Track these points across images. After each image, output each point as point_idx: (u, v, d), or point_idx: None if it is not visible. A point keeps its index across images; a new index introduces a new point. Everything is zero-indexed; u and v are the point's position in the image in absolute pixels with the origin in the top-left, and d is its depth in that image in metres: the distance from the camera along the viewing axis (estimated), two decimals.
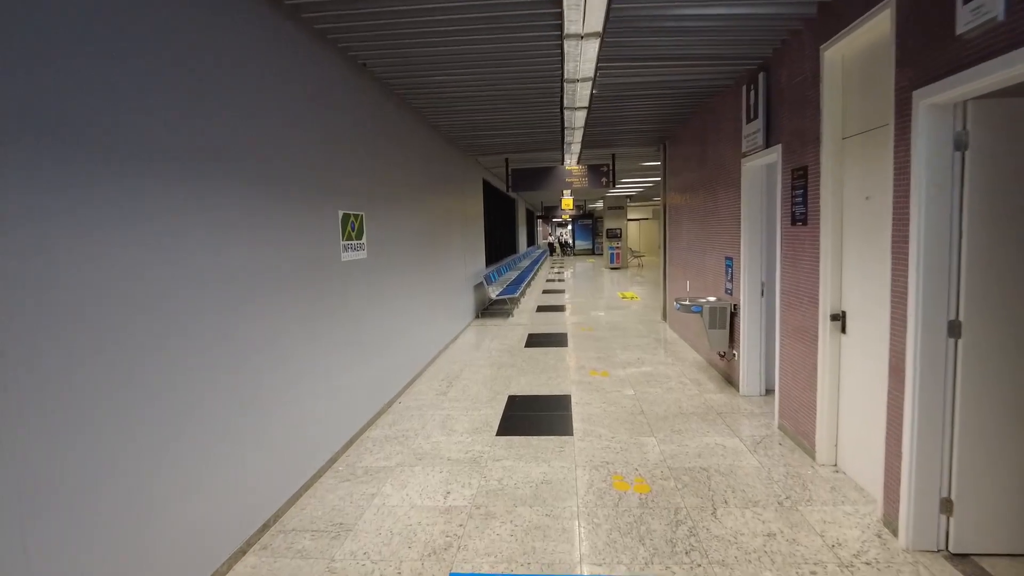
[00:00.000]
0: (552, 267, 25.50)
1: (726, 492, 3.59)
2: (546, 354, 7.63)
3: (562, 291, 15.32)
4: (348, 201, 4.62)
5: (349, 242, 4.62)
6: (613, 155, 10.15)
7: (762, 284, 5.51)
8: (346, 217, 4.56)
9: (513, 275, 14.59)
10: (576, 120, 7.14)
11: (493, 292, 11.04)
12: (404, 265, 6.16)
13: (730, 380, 5.99)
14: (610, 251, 22.89)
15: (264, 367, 3.31)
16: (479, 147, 9.55)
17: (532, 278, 16.33)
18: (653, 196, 26.30)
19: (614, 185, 10.02)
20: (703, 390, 5.81)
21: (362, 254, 4.89)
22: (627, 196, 23.54)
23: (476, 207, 11.48)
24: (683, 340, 8.18)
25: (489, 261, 13.59)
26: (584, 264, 27.45)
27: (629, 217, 26.61)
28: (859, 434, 3.65)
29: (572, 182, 10.20)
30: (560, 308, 12.01)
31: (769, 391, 5.65)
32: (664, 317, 9.93)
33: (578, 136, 8.24)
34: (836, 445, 3.93)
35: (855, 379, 3.69)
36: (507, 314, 11.26)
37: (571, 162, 10.71)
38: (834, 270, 3.83)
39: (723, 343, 5.89)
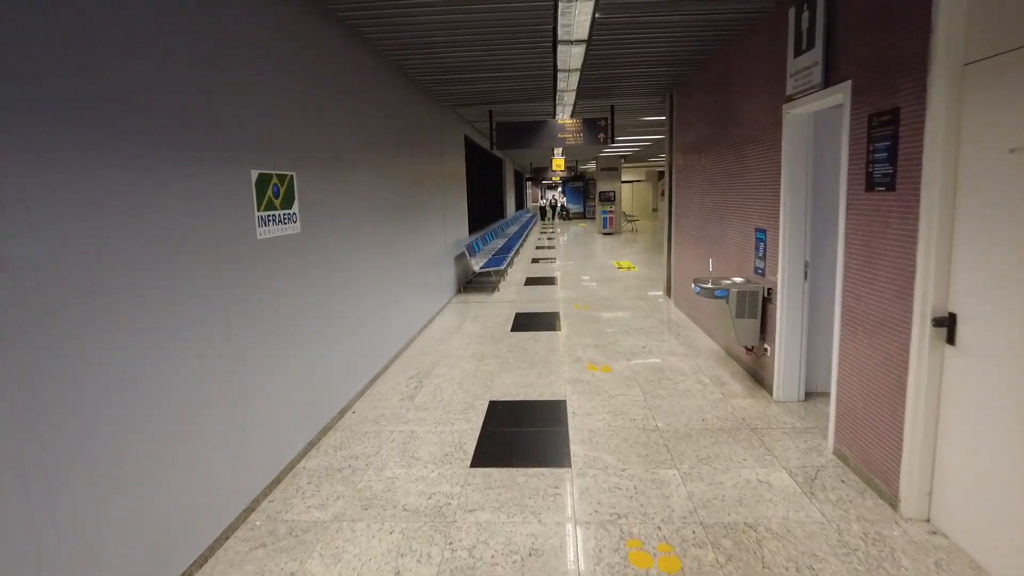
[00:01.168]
0: (542, 233, 24.27)
1: (789, 573, 2.54)
2: (536, 341, 6.53)
3: (553, 259, 14.18)
4: (268, 158, 3.41)
5: (270, 212, 3.43)
6: (612, 107, 8.88)
7: (806, 264, 4.40)
8: (264, 179, 3.36)
9: (500, 243, 13.43)
10: (572, 59, 5.87)
11: (476, 264, 9.87)
12: (361, 238, 4.98)
13: (759, 380, 4.93)
14: (603, 215, 21.68)
15: (136, 410, 2.16)
16: (457, 96, 8.25)
17: (520, 246, 15.18)
18: (648, 157, 24.98)
19: (612, 141, 8.76)
20: (727, 393, 4.76)
21: (292, 228, 3.70)
22: (621, 156, 22.21)
23: (457, 167, 10.22)
24: (694, 323, 7.10)
25: (473, 228, 12.37)
26: (575, 229, 26.23)
27: (623, 179, 25.30)
28: (975, 487, 2.59)
29: (565, 138, 8.95)
30: (551, 280, 10.88)
31: (811, 395, 4.60)
32: (668, 292, 8.84)
33: (573, 81, 6.97)
34: (931, 494, 2.88)
35: (969, 409, 2.61)
36: (492, 288, 10.12)
37: (564, 115, 9.42)
38: (940, 255, 2.71)
39: (753, 336, 4.81)
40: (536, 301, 8.89)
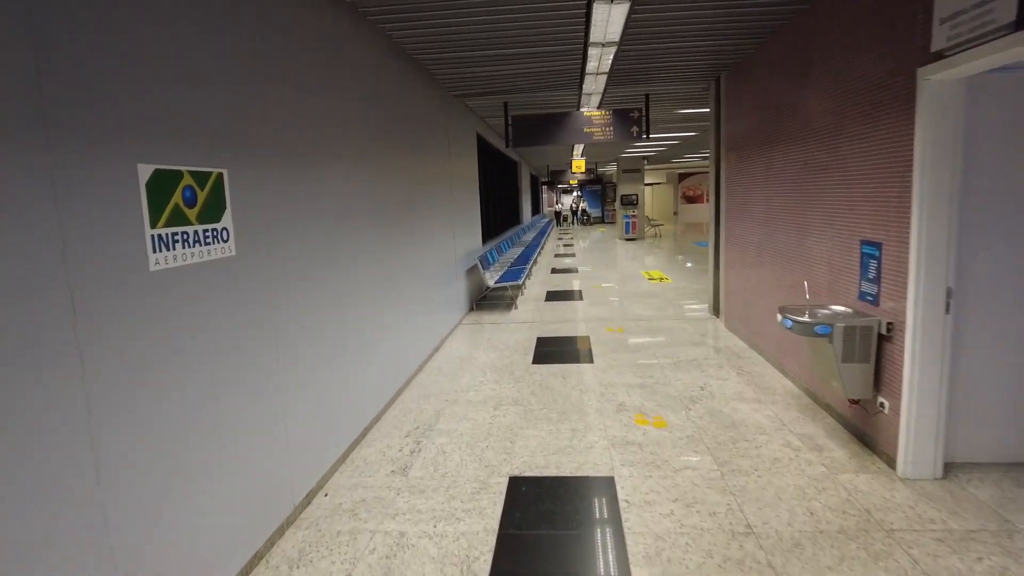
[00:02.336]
0: (560, 239, 23.04)
1: None
2: (564, 377, 5.31)
3: (574, 270, 12.94)
4: (173, 147, 2.24)
5: (177, 229, 2.26)
6: (647, 96, 7.65)
7: (948, 291, 3.15)
8: (164, 179, 2.19)
9: (516, 252, 12.24)
10: (609, 30, 4.68)
11: (490, 279, 8.68)
12: (339, 257, 3.81)
13: (868, 442, 3.67)
14: (625, 220, 20.41)
15: None
16: (466, 82, 7.08)
17: (538, 255, 13.97)
18: (672, 158, 23.67)
19: (648, 135, 7.53)
20: (831, 464, 3.50)
21: (220, 250, 2.53)
22: (644, 157, 20.94)
23: (469, 170, 9.05)
24: (755, 351, 5.84)
25: (487, 237, 11.19)
26: (594, 234, 24.96)
27: (645, 182, 24.00)
28: None
29: (592, 132, 7.74)
30: (575, 295, 9.65)
31: (950, 468, 3.34)
32: (715, 311, 7.56)
33: (606, 61, 5.76)
34: None
35: None
36: (509, 304, 8.92)
37: (590, 106, 8.21)
38: None
39: (863, 386, 3.55)
40: (560, 321, 7.67)
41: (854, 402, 3.72)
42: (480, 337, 7.03)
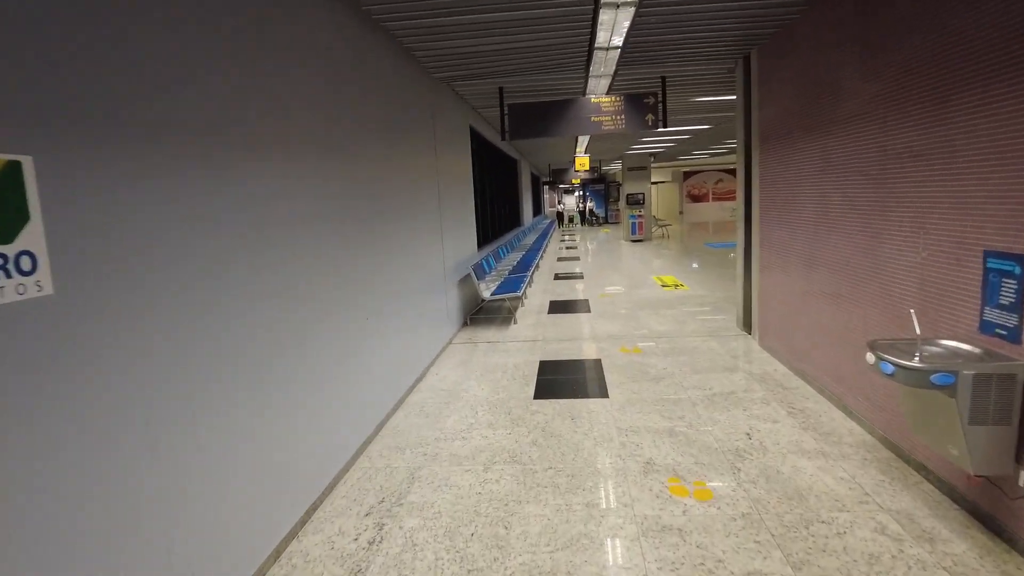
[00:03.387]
0: (563, 241, 22.01)
1: None
2: (574, 420, 4.30)
3: (579, 275, 11.92)
4: None
5: None
6: (663, 78, 6.64)
7: None
8: None
9: (516, 257, 11.23)
10: None
11: (486, 291, 7.67)
12: (285, 281, 2.81)
13: (997, 528, 2.65)
14: (631, 220, 19.37)
15: None
16: (454, 62, 6.07)
17: (540, 259, 12.96)
18: (678, 155, 22.64)
19: (665, 124, 6.51)
20: (953, 567, 2.48)
21: (18, 287, 1.53)
22: (651, 154, 19.92)
23: (461, 167, 8.04)
24: (802, 379, 4.82)
25: (483, 241, 10.18)
26: (599, 235, 23.93)
27: (652, 180, 22.86)
28: None
29: (601, 122, 6.72)
30: (581, 306, 8.63)
31: None
32: (747, 327, 6.54)
33: (620, 30, 4.75)
34: None
35: None
36: (507, 319, 7.90)
37: (599, 91, 7.19)
38: None
39: (999, 457, 2.53)
40: (565, 340, 6.65)
41: (981, 478, 2.69)
42: (473, 361, 6.01)
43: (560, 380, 5.23)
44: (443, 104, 6.92)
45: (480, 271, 7.81)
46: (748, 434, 3.89)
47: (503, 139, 6.86)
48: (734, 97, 8.17)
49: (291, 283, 3.03)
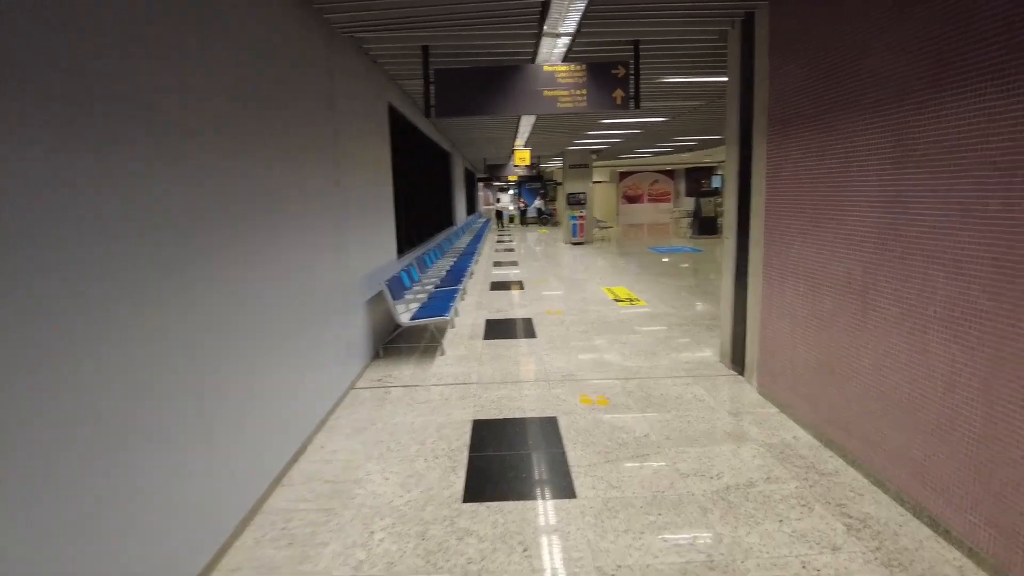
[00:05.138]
0: (500, 242, 20.42)
1: None
2: (526, 551, 2.69)
3: (519, 284, 10.35)
4: None
5: None
6: (636, 43, 5.15)
7: None
8: None
9: (447, 264, 9.53)
10: None
11: (404, 313, 5.95)
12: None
13: None
14: (572, 222, 18.02)
15: None
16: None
17: (475, 264, 11.29)
18: (620, 153, 21.53)
19: (638, 103, 4.99)
20: None
21: None
22: (594, 152, 18.65)
23: (374, 154, 6.27)
24: (832, 449, 3.42)
25: (407, 245, 8.44)
26: (533, 236, 22.51)
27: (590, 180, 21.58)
28: None
29: (557, 98, 5.16)
30: (524, 329, 7.06)
31: None
32: (737, 363, 5.14)
33: None
34: None
35: None
36: (431, 348, 6.22)
37: (555, 57, 5.59)
38: None
39: None
40: (507, 382, 5.06)
41: None
42: (379, 421, 4.31)
43: (502, 462, 3.61)
44: (349, 69, 5.15)
45: (398, 287, 6.08)
46: (805, 570, 2.41)
47: (427, 115, 5.19)
48: (713, 79, 6.81)
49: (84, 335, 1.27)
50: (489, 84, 5.15)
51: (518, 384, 5.00)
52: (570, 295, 9.19)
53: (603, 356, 5.74)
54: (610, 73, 5.14)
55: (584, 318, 7.45)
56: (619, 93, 5.16)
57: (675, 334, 6.53)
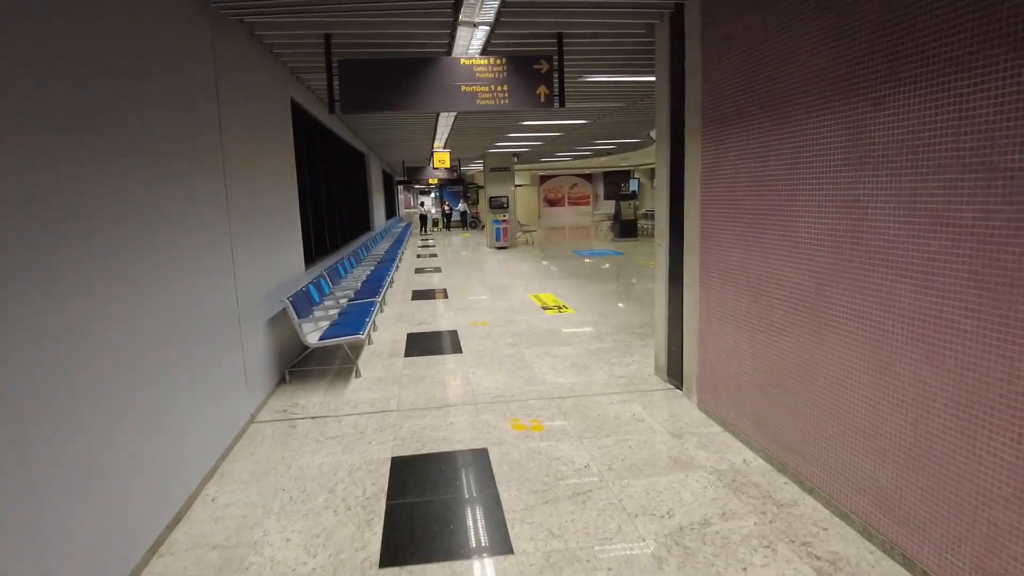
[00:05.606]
0: (423, 246, 19.76)
1: None
2: None
3: (442, 292, 9.84)
4: None
5: None
6: (560, 36, 4.79)
7: None
8: None
9: (364, 273, 8.87)
10: None
11: (312, 333, 5.31)
12: None
13: None
14: (495, 225, 17.65)
15: None
16: None
17: (395, 271, 10.65)
18: (541, 156, 21.40)
19: (563, 102, 4.64)
20: None
21: None
22: (515, 155, 18.37)
23: (276, 155, 5.59)
24: (786, 474, 3.17)
25: (316, 255, 7.74)
26: (457, 240, 22.00)
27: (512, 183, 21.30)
28: None
29: (476, 93, 4.72)
30: (448, 342, 6.57)
31: None
32: (673, 376, 4.88)
33: None
34: None
35: None
36: (345, 369, 5.62)
37: (473, 48, 5.14)
38: None
39: None
40: (431, 407, 4.56)
41: None
42: (282, 463, 3.70)
43: (425, 510, 3.12)
44: (238, 56, 4.48)
45: (304, 303, 5.43)
46: None
47: (331, 110, 4.61)
48: (637, 79, 6.59)
49: None
50: (401, 77, 4.63)
51: (443, 409, 4.51)
52: (496, 303, 8.77)
53: (534, 371, 5.35)
54: (532, 68, 4.76)
55: (512, 328, 7.05)
56: (543, 90, 4.79)
57: (606, 344, 6.24)
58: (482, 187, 26.47)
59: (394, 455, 3.74)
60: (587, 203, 38.56)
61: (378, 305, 6.62)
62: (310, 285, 5.96)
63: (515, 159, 18.91)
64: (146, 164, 2.96)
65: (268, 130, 5.34)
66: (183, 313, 3.30)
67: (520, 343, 6.37)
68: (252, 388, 4.48)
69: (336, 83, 4.62)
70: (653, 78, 6.62)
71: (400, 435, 4.05)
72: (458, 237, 23.68)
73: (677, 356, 4.76)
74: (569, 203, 38.72)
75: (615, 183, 35.41)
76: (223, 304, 3.95)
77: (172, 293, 3.17)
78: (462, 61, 4.71)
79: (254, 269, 4.70)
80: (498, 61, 4.72)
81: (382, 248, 13.20)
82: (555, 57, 4.79)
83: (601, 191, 37.60)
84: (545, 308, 8.23)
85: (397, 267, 11.61)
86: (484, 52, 5.11)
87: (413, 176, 23.19)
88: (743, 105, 3.57)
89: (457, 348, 6.26)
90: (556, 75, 4.77)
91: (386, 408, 4.57)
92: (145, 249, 2.90)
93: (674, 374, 4.85)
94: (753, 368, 3.60)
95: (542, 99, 4.79)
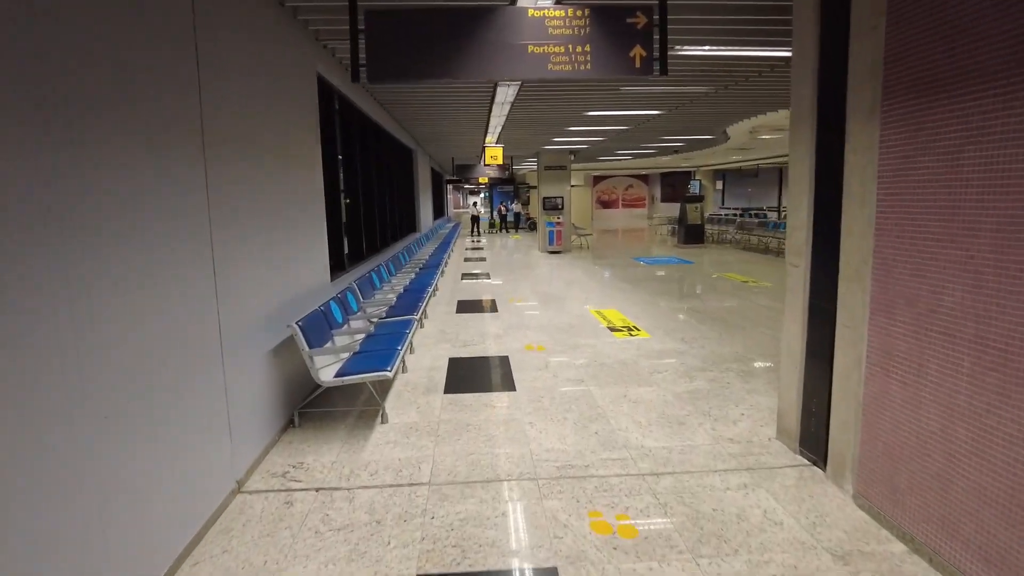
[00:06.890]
0: (469, 248, 18.68)
1: None
2: None
3: (492, 304, 8.64)
4: None
5: None
6: None
7: None
8: None
9: (403, 282, 7.76)
10: None
11: (326, 369, 4.17)
12: None
13: None
14: (549, 228, 16.39)
15: None
16: None
17: (439, 277, 9.51)
18: (598, 155, 20.02)
19: (664, 68, 3.31)
20: None
21: None
22: (571, 152, 17.07)
23: (292, 137, 4.52)
24: None
25: (349, 261, 6.67)
26: (506, 243, 20.82)
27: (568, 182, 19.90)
28: None
29: (548, 56, 3.49)
30: (499, 377, 5.36)
31: None
32: (813, 449, 3.52)
33: None
34: None
35: None
36: (367, 413, 4.48)
37: None
38: None
39: None
40: (477, 485, 3.36)
41: None
42: (264, 570, 2.56)
43: None
44: (232, 16, 3.39)
45: (319, 328, 4.31)
46: None
47: (354, 79, 3.46)
48: (746, 53, 5.24)
49: None
50: (446, 32, 3.45)
51: (492, 487, 3.30)
52: (553, 318, 7.52)
53: (611, 426, 4.08)
54: (626, 21, 3.49)
55: (575, 357, 5.79)
56: (638, 51, 3.51)
57: (699, 384, 4.91)
58: (534, 187, 25.16)
59: (420, 574, 2.55)
60: (642, 205, 36.84)
61: (416, 323, 5.47)
62: (332, 302, 4.85)
63: (571, 157, 17.60)
64: (127, 172, 1.85)
65: (280, 105, 4.25)
66: (136, 346, 2.18)
67: (587, 379, 5.11)
68: (242, 442, 3.38)
69: (363, 43, 3.46)
70: (763, 52, 5.26)
71: (431, 532, 2.85)
72: (510, 239, 22.51)
73: (820, 422, 3.40)
74: (623, 205, 37.09)
75: (674, 185, 33.61)
76: (193, 337, 2.85)
77: (114, 321, 2.06)
78: (530, 12, 3.49)
79: (252, 286, 3.60)
80: (579, 12, 3.48)
81: (426, 252, 12.13)
82: (656, 7, 3.51)
83: (658, 193, 35.83)
84: (612, 329, 6.93)
85: (443, 272, 10.51)
86: (560, 1, 3.87)
87: (463, 174, 22.11)
88: (983, 58, 2.21)
89: (509, 384, 5.05)
90: (659, 23, 3.49)
91: (415, 479, 3.39)
92: (118, 267, 1.79)
93: (810, 446, 3.50)
94: (983, 472, 2.25)
95: (636, 64, 3.51)
